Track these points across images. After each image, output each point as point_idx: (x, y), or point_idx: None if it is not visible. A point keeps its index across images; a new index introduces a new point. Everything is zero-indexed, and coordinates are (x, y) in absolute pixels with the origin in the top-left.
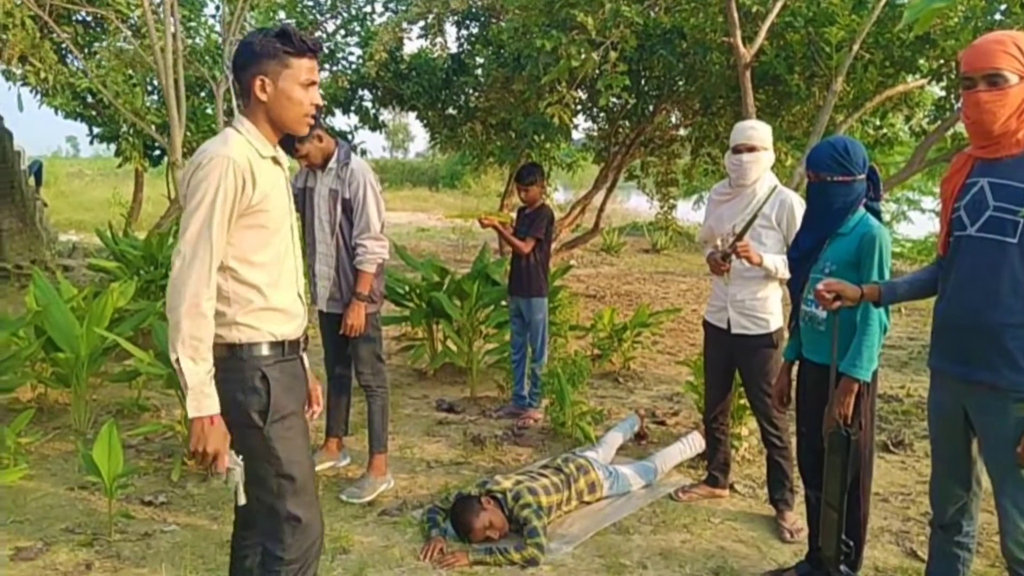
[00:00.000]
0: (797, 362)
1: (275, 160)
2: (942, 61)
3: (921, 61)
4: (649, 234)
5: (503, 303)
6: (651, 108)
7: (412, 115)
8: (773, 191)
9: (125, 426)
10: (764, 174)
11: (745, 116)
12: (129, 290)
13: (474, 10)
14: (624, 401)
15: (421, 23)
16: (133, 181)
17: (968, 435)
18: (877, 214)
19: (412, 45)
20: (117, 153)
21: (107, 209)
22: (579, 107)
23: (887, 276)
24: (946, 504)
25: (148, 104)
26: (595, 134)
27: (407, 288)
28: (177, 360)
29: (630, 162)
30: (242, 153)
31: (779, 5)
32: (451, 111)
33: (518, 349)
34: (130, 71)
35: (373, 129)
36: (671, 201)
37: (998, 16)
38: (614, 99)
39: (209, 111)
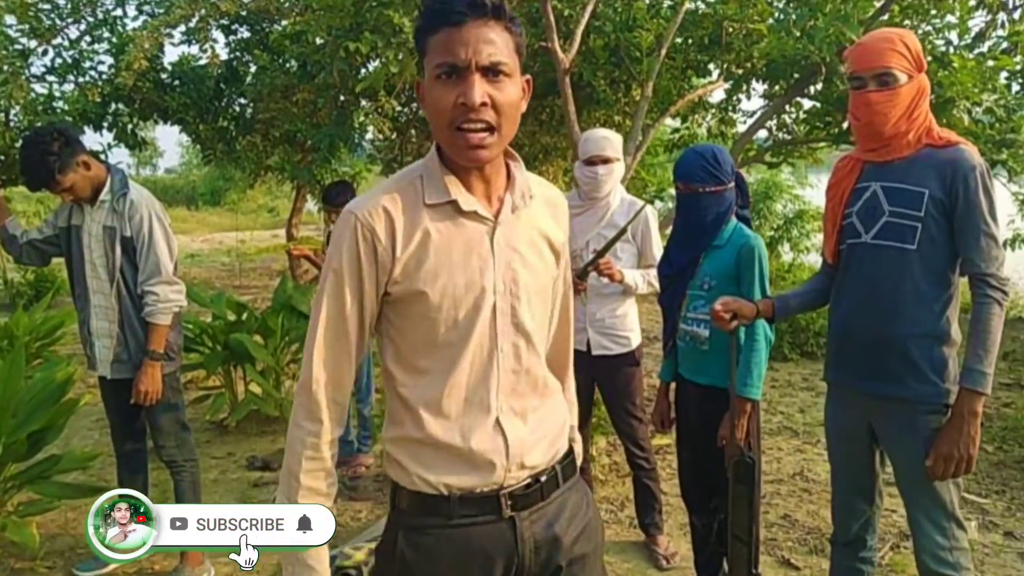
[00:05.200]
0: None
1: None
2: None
3: (711, 66)
4: None
5: None
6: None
7: (159, 128)
8: (642, 209)
9: None
10: (616, 185)
11: (567, 123)
12: None
13: (244, 13)
14: None
15: (183, 27)
16: None
17: (872, 449)
18: (747, 222)
19: (174, 52)
20: None
21: None
22: (366, 117)
23: (767, 287)
24: (850, 521)
25: None
26: (382, 144)
27: (198, 330)
28: None
29: None
30: None
31: (589, 10)
32: (224, 123)
33: None
34: None
35: (132, 147)
36: None
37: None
38: (399, 107)
39: None
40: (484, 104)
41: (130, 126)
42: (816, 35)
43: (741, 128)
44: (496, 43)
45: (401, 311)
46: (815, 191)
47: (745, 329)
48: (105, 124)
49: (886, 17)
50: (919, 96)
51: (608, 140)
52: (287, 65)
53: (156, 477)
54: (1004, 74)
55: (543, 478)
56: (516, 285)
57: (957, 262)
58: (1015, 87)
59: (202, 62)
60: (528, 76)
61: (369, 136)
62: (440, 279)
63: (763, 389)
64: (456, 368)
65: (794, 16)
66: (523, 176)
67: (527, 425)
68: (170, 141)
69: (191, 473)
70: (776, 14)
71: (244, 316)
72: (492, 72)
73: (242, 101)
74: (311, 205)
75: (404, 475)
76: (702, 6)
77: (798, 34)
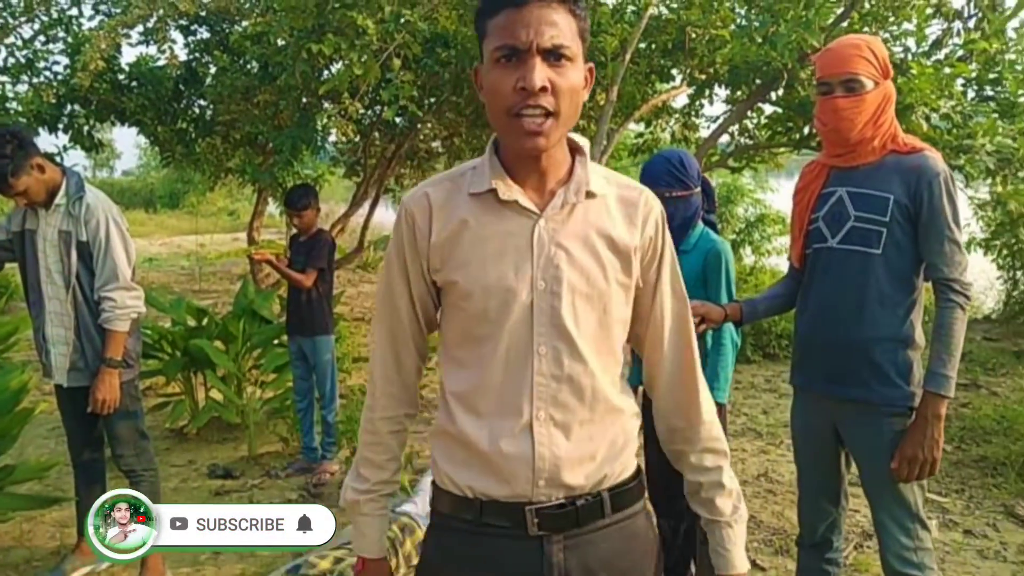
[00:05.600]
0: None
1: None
2: (698, 70)
3: (674, 71)
4: None
5: (276, 343)
6: (410, 118)
7: (116, 130)
8: None
9: None
10: None
11: None
12: None
13: (203, 14)
14: (423, 435)
15: (141, 27)
16: None
17: (838, 451)
18: (714, 227)
19: (131, 52)
20: None
21: None
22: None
23: (734, 291)
24: (816, 523)
25: None
26: (345, 146)
27: (157, 336)
28: None
29: (391, 175)
30: None
31: None
32: (184, 125)
33: (304, 395)
34: None
35: (88, 149)
36: None
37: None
38: (363, 109)
39: None
40: (544, 89)
41: (86, 128)
42: (778, 41)
43: (704, 133)
44: (559, 25)
45: (443, 299)
46: (776, 195)
47: (712, 333)
48: (60, 126)
49: (846, 24)
50: (885, 103)
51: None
52: (248, 66)
53: (114, 486)
54: (960, 81)
55: (581, 502)
56: (558, 284)
57: (921, 267)
58: (970, 94)
59: (160, 63)
60: (591, 64)
61: (332, 138)
62: (471, 269)
63: (728, 392)
64: (488, 364)
65: (757, 23)
66: (585, 171)
67: (570, 440)
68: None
69: (150, 483)
70: (738, 20)
71: (204, 321)
72: (554, 56)
73: (202, 103)
74: (272, 208)
75: (437, 472)
76: (666, 12)
77: (760, 40)
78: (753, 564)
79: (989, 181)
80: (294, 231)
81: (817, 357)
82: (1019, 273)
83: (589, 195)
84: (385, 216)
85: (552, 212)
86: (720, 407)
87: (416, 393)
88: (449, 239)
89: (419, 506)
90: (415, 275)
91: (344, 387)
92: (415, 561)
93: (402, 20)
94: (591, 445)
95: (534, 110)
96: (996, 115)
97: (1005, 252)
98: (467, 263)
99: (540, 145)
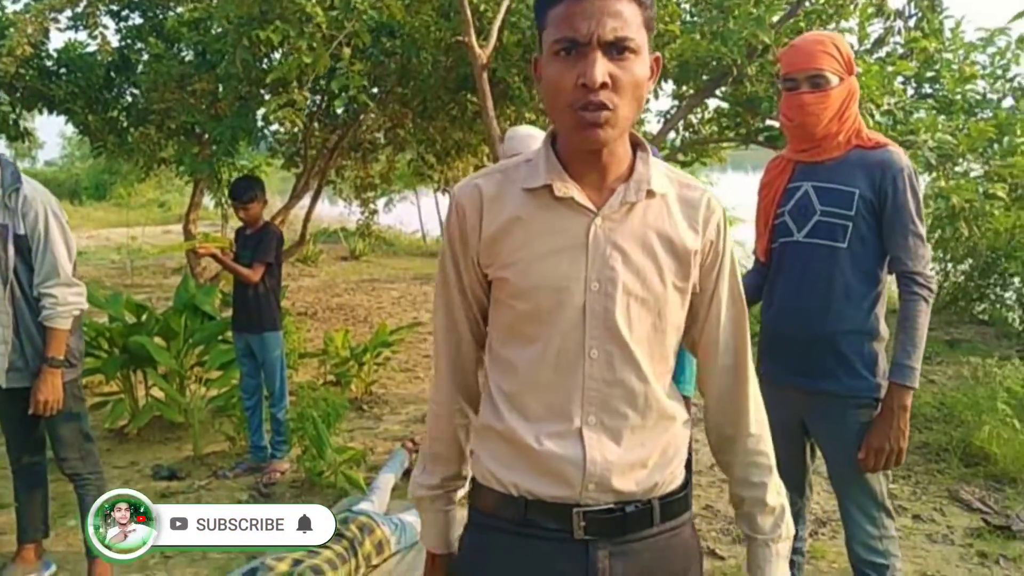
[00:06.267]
0: None
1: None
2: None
3: None
4: (347, 241)
5: (220, 339)
6: (354, 109)
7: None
8: None
9: None
10: None
11: (485, 119)
12: None
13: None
14: (375, 431)
15: (69, 12)
16: None
17: (804, 443)
18: None
19: (60, 38)
20: None
21: None
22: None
23: None
24: None
25: None
26: (284, 137)
27: (94, 333)
28: None
29: (334, 167)
30: None
31: (505, 5)
32: (116, 114)
33: (251, 393)
34: None
35: (13, 139)
36: (371, 206)
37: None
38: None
39: None
40: (605, 85)
41: (12, 116)
42: (730, 37)
43: (648, 127)
44: (623, 16)
45: (493, 295)
46: (715, 188)
47: None
48: None
49: (791, 22)
50: (849, 98)
51: (533, 138)
52: (182, 54)
53: (55, 490)
54: (900, 79)
55: (630, 508)
56: (613, 286)
57: (885, 260)
58: (909, 91)
59: (91, 49)
60: (657, 54)
61: (274, 128)
62: (522, 267)
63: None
64: (538, 366)
65: (706, 18)
66: (646, 169)
67: (620, 446)
68: (50, 132)
69: (97, 487)
70: (686, 16)
71: (144, 317)
72: (617, 49)
73: (135, 91)
74: (208, 200)
75: (480, 468)
76: None
77: (711, 36)
78: (712, 554)
79: (931, 176)
80: (238, 224)
81: (784, 350)
82: (950, 265)
83: (649, 194)
84: (324, 210)
85: (610, 211)
86: (687, 399)
87: (477, 385)
88: (500, 234)
89: (376, 504)
90: (467, 267)
91: (292, 384)
92: (375, 561)
93: (351, 8)
94: (643, 451)
95: (595, 107)
96: (935, 111)
97: (941, 244)
98: (518, 261)
99: (600, 138)
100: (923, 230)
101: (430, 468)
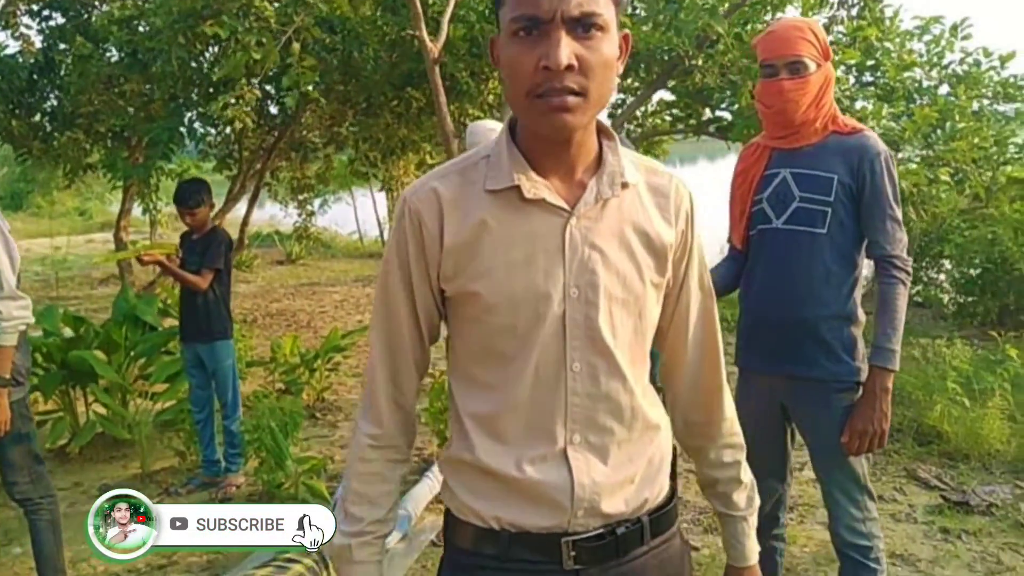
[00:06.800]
0: None
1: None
2: None
3: None
4: (282, 244)
5: (164, 351)
6: (292, 108)
7: None
8: None
9: None
10: None
11: (439, 115)
12: None
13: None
14: (331, 439)
15: None
16: None
17: (785, 429)
18: None
19: None
20: None
21: None
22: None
23: None
24: (764, 501)
25: None
26: (215, 138)
27: (31, 348)
28: None
29: (271, 168)
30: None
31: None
32: (40, 118)
33: (202, 406)
34: None
35: None
36: (308, 207)
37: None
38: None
39: None
40: (571, 67)
41: None
42: (684, 28)
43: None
44: None
45: (456, 311)
46: None
47: None
48: None
49: (737, 13)
50: (826, 84)
51: (495, 132)
52: (108, 54)
53: (2, 517)
54: (842, 67)
55: (621, 530)
56: (594, 291)
57: (863, 244)
58: (851, 79)
59: (10, 51)
60: (626, 31)
61: (206, 129)
62: (495, 278)
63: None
64: (515, 385)
65: (657, 9)
66: (617, 159)
67: (607, 464)
68: None
69: (49, 511)
70: (636, 7)
71: (83, 330)
72: (583, 26)
73: (59, 94)
74: (136, 208)
75: (455, 502)
76: None
77: (664, 27)
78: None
79: None
80: (165, 232)
81: (765, 336)
82: None
83: (624, 186)
84: (255, 213)
85: (585, 209)
86: (659, 390)
87: (415, 417)
88: (466, 243)
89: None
90: (420, 283)
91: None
92: None
93: (301, 1)
94: (630, 467)
95: (560, 92)
96: (877, 99)
97: None
98: (489, 271)
99: (567, 124)
100: (900, 214)
101: (356, 512)
